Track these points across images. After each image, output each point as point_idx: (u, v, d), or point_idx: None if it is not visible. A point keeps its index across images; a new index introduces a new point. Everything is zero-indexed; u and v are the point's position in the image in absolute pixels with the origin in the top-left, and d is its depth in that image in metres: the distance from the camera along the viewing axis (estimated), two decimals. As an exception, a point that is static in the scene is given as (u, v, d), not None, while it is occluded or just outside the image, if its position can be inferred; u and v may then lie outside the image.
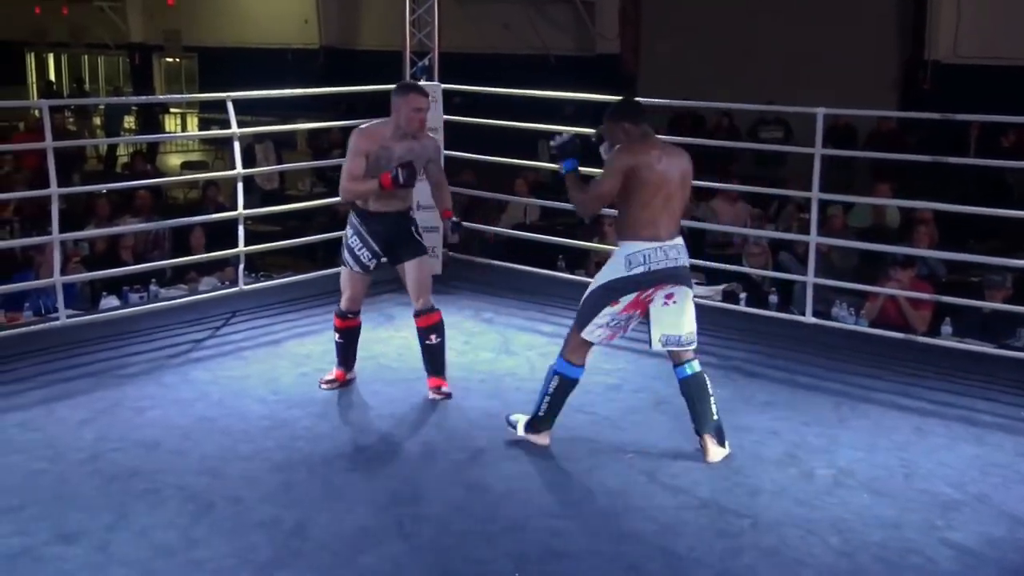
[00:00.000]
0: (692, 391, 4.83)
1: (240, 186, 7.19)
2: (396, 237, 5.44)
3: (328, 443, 4.94)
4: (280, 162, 12.91)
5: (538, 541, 4.01)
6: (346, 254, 5.45)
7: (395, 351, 6.23)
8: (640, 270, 4.61)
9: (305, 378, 5.80)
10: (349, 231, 5.44)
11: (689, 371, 4.84)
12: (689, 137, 10.70)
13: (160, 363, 6.02)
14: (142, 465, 4.63)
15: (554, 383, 4.80)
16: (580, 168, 4.84)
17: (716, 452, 4.80)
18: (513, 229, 9.43)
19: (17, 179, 10.94)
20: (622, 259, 4.64)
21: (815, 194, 6.63)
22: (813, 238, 6.70)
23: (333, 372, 5.69)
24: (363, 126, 5.37)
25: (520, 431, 4.93)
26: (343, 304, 5.54)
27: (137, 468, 4.60)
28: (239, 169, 7.22)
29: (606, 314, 4.67)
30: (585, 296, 4.75)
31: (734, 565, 3.87)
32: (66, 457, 4.71)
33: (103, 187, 10.53)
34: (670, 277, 4.68)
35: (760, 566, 3.87)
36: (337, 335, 5.62)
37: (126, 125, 18.46)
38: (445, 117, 8.07)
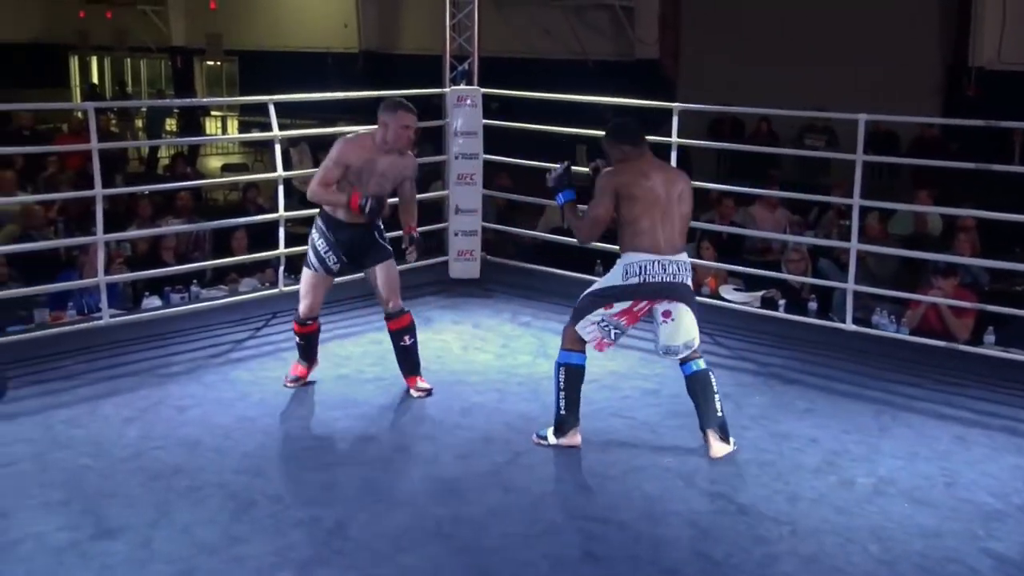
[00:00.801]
0: (697, 387, 4.91)
1: (281, 188, 7.26)
2: (361, 245, 5.49)
3: (367, 444, 4.99)
4: (318, 165, 13.04)
5: (576, 544, 4.03)
6: (311, 256, 5.48)
7: (433, 354, 6.26)
8: (635, 281, 4.70)
9: (344, 379, 5.85)
10: (316, 234, 5.46)
11: (694, 367, 4.93)
12: (728, 142, 10.78)
13: (201, 363, 6.09)
14: (184, 463, 4.69)
15: (562, 375, 4.87)
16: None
17: (719, 448, 4.85)
18: (550, 233, 9.44)
19: (62, 180, 11.09)
20: (620, 269, 4.77)
21: (856, 200, 6.60)
22: (854, 245, 6.66)
23: (297, 369, 5.74)
24: (350, 136, 5.45)
25: (551, 440, 4.94)
26: (302, 310, 5.58)
27: (179, 466, 4.66)
28: (280, 172, 7.29)
29: (598, 314, 4.79)
30: (583, 295, 4.90)
31: (772, 572, 3.86)
32: (110, 454, 4.78)
33: (146, 188, 10.65)
34: (666, 292, 4.76)
35: (799, 574, 3.85)
36: (298, 338, 5.69)
37: (167, 127, 18.67)
38: (484, 121, 8.10)
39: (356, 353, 6.29)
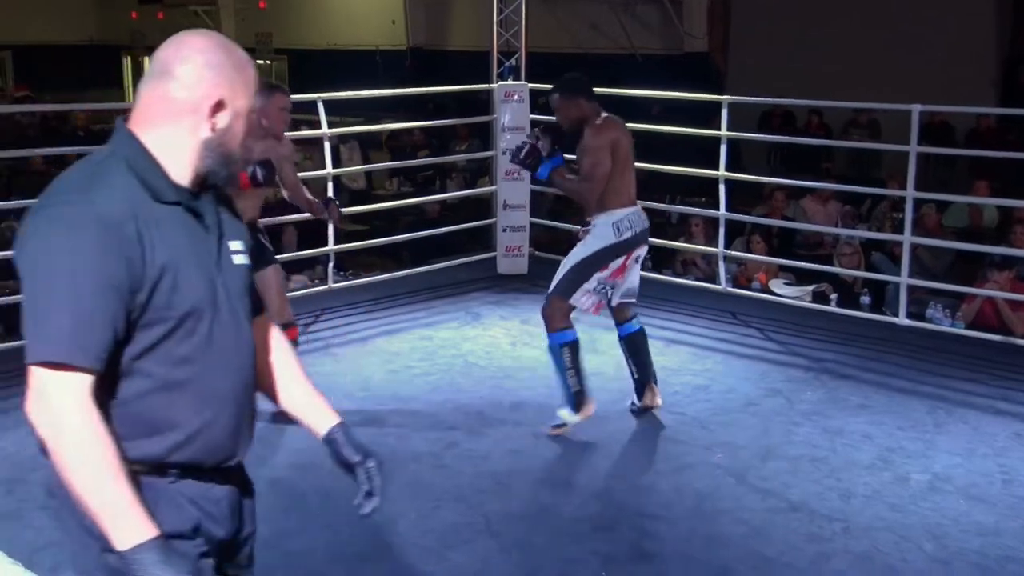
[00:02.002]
0: (640, 344, 5.17)
1: (331, 185, 7.30)
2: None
3: (417, 439, 4.99)
4: (367, 162, 13.09)
5: (626, 541, 4.00)
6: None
7: (483, 349, 6.26)
8: (628, 234, 4.88)
9: (395, 375, 5.86)
10: None
11: (637, 325, 5.19)
12: (779, 135, 10.64)
13: (253, 359, 6.13)
14: (236, 458, 4.72)
15: (566, 354, 4.90)
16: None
17: (660, 398, 5.18)
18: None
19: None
20: (610, 227, 4.86)
21: (910, 193, 6.50)
22: (907, 238, 6.57)
23: None
24: None
25: (571, 419, 4.96)
26: None
27: (231, 461, 4.69)
28: (329, 169, 7.32)
29: (595, 279, 4.88)
30: (569, 268, 4.91)
31: (825, 570, 3.82)
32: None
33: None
34: (644, 238, 5.00)
35: (852, 572, 3.81)
36: None
37: (219, 126, 18.81)
38: (532, 116, 8.09)
39: (405, 349, 6.30)
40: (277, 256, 7.80)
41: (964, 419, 5.31)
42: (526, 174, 8.07)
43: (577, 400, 4.94)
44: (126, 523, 1.78)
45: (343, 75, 15.34)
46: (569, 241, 9.23)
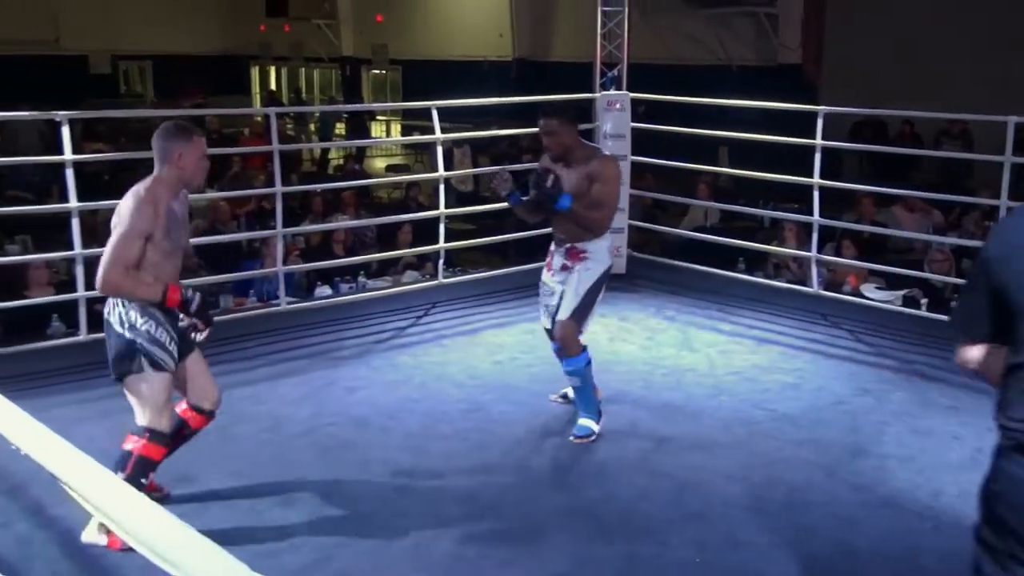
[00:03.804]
0: None
1: (442, 187, 7.37)
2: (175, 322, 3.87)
3: (521, 428, 5.00)
4: (476, 166, 13.17)
5: (719, 530, 3.96)
6: (154, 351, 3.72)
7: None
8: (613, 256, 5.00)
9: (500, 366, 5.89)
10: (137, 319, 3.71)
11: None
12: (871, 144, 10.41)
13: (368, 347, 6.23)
14: (353, 439, 4.82)
15: (590, 373, 4.82)
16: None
17: None
18: (694, 231, 9.31)
19: (254, 176, 11.52)
20: (607, 251, 4.87)
21: (1004, 202, 6.28)
22: (1000, 245, 6.34)
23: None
24: (140, 193, 3.67)
25: (597, 429, 4.84)
26: (165, 425, 3.81)
27: (349, 442, 4.78)
28: (441, 172, 7.40)
29: (596, 303, 4.87)
30: (583, 293, 4.76)
31: (915, 565, 3.72)
32: (287, 429, 4.95)
33: (318, 187, 10.97)
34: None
35: (941, 568, 3.69)
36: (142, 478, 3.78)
37: (337, 131, 19.18)
38: (632, 124, 8.05)
39: (510, 342, 6.33)
40: (391, 253, 7.97)
41: (1054, 423, 5.11)
42: (626, 178, 8.06)
43: (599, 414, 4.89)
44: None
45: (452, 84, 15.47)
46: (661, 243, 9.22)
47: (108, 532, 3.63)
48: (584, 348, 4.80)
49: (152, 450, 3.76)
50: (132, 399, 3.79)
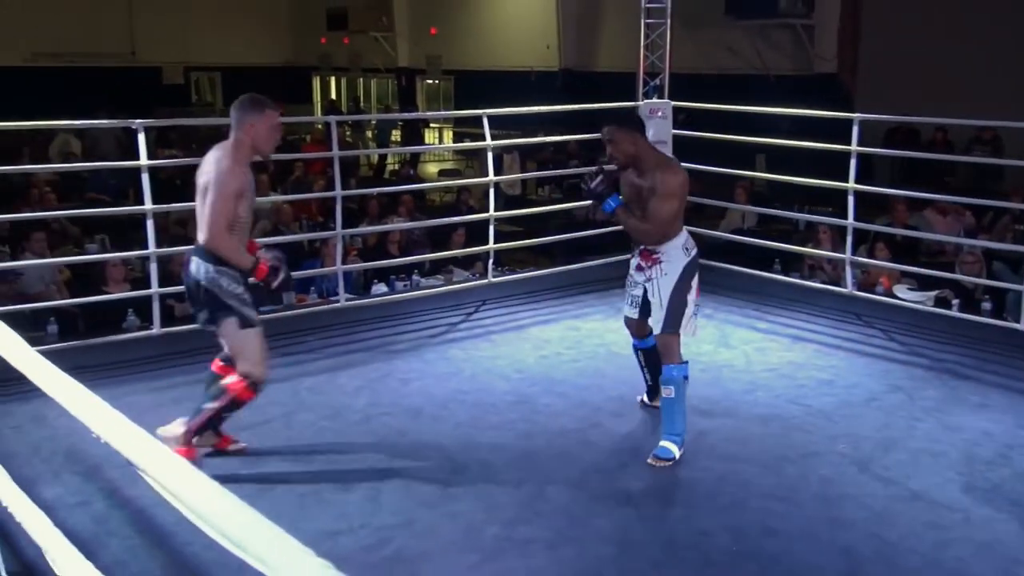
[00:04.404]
0: (655, 356, 4.68)
1: (492, 191, 7.38)
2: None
3: (565, 418, 4.99)
4: (524, 171, 13.15)
5: (755, 520, 3.91)
6: (243, 309, 4.01)
7: (625, 339, 6.15)
8: (694, 252, 4.51)
9: (545, 360, 5.88)
10: (223, 280, 3.98)
11: (653, 341, 4.73)
12: (904, 150, 10.22)
13: (422, 342, 6.26)
14: (407, 428, 4.84)
15: (684, 387, 4.47)
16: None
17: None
18: (732, 233, 9.23)
19: (314, 181, 11.62)
20: (680, 249, 4.48)
21: (1034, 206, 6.15)
22: (1031, 248, 6.21)
23: (213, 438, 4.35)
24: (225, 155, 3.94)
25: (677, 455, 4.42)
26: (260, 373, 4.10)
27: (403, 430, 4.80)
28: (491, 176, 7.41)
29: (690, 305, 4.48)
30: (668, 301, 4.45)
31: (944, 556, 3.65)
32: (345, 417, 4.98)
33: (375, 190, 11.05)
34: (697, 261, 4.58)
35: (972, 560, 3.62)
36: (234, 407, 4.16)
37: (393, 138, 19.29)
38: (673, 131, 7.99)
39: (555, 337, 6.32)
40: (443, 253, 7.99)
41: (1084, 421, 5.00)
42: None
43: (683, 438, 4.46)
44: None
45: (501, 93, 15.51)
46: (701, 243, 9.11)
47: (185, 444, 4.05)
48: (683, 361, 4.48)
49: (245, 393, 4.08)
50: (228, 343, 4.09)
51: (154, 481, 1.79)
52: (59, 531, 2.49)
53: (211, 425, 4.18)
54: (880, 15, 13.79)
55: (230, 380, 4.10)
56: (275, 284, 4.09)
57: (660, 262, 4.50)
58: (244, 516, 1.53)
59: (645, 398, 5.11)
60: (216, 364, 4.31)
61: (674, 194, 4.40)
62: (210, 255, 3.95)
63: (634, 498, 4.08)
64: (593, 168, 4.64)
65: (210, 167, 3.93)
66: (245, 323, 4.00)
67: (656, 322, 4.50)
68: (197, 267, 3.98)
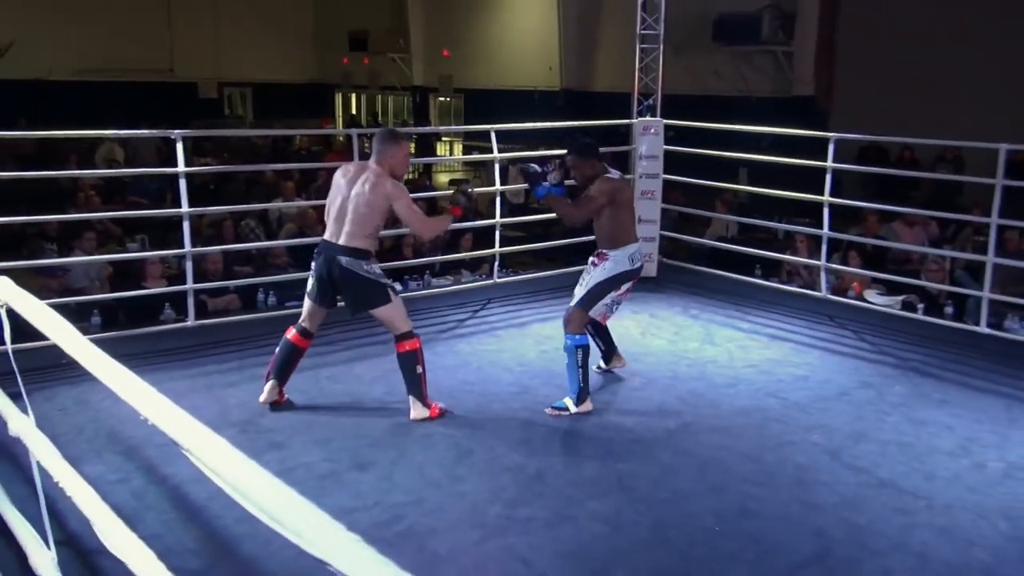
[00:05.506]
0: (607, 331, 5.44)
1: (498, 199, 7.37)
2: None
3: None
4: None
5: (735, 503, 3.91)
6: (392, 282, 4.83)
7: (617, 337, 6.18)
8: (638, 264, 5.01)
9: (546, 355, 5.87)
10: (372, 267, 4.62)
11: (608, 323, 5.40)
12: (875, 167, 10.21)
13: (432, 336, 6.24)
14: (418, 415, 4.82)
15: (579, 355, 4.85)
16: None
17: (624, 360, 5.50)
18: (716, 241, 9.21)
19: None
20: (626, 258, 4.96)
21: (994, 220, 6.13)
22: (990, 259, 6.20)
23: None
24: (382, 178, 4.61)
25: (572, 409, 4.87)
26: (409, 325, 4.74)
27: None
28: (498, 185, 7.40)
29: (609, 297, 5.01)
30: (591, 286, 4.95)
31: (910, 540, 3.64)
32: (362, 405, 4.98)
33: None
34: (639, 271, 5.09)
35: (934, 542, 3.62)
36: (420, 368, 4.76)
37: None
38: (664, 147, 7.98)
39: (555, 334, 6.25)
40: (452, 255, 7.97)
41: (1037, 417, 4.99)
42: (658, 194, 8.01)
43: (580, 396, 4.87)
44: None
45: (507, 110, 15.47)
46: (688, 251, 9.14)
47: (427, 407, 4.70)
48: (582, 333, 4.93)
49: (418, 342, 4.71)
50: (386, 319, 4.68)
51: (198, 460, 1.79)
52: (106, 505, 2.49)
53: (424, 383, 4.71)
54: (854, 43, 13.78)
55: (404, 346, 4.66)
56: (471, 209, 4.91)
57: (606, 260, 4.98)
58: (280, 493, 1.53)
59: (601, 363, 5.46)
60: (292, 334, 4.83)
61: (595, 193, 4.92)
62: (356, 252, 4.53)
63: (626, 482, 4.08)
64: (557, 160, 5.19)
65: (361, 187, 4.56)
66: (395, 292, 4.69)
67: (573, 297, 5.02)
68: (349, 263, 4.54)
